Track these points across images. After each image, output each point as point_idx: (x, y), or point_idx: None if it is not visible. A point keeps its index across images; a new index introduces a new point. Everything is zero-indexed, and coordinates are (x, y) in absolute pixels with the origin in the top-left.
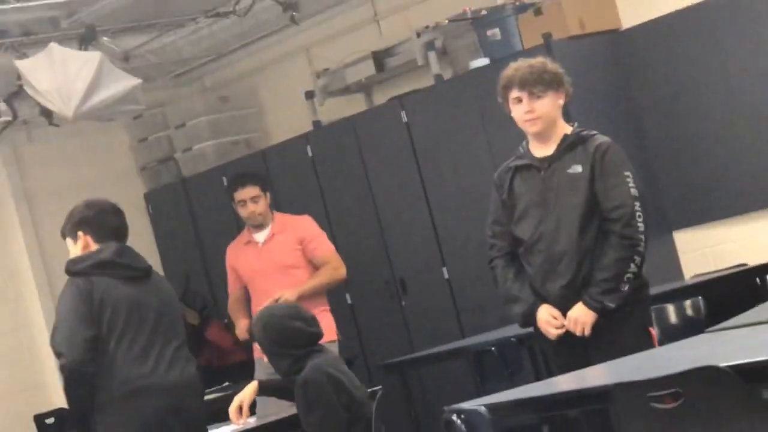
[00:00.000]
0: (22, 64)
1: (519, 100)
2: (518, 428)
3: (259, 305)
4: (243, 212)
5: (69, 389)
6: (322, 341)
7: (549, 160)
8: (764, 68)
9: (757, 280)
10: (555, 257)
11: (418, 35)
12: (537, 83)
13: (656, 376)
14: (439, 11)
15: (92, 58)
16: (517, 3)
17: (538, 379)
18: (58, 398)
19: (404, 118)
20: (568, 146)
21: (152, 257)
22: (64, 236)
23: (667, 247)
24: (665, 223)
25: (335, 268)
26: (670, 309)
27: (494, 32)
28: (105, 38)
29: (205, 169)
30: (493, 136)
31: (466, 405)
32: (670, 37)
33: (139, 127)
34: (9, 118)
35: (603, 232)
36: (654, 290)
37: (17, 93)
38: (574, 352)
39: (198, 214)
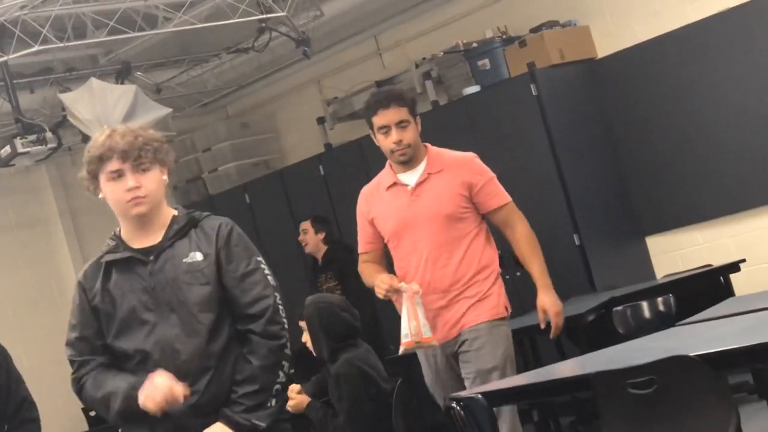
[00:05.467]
0: (66, 97)
1: (116, 176)
2: None
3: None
4: (384, 143)
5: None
6: (478, 321)
7: (157, 249)
8: (723, 91)
9: (721, 279)
10: (177, 371)
11: (417, 66)
12: (143, 154)
13: (633, 365)
14: (434, 44)
15: (128, 90)
16: (504, 36)
17: (526, 369)
18: None
19: None
20: (180, 231)
21: None
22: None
23: (640, 250)
24: (638, 230)
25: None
26: (644, 305)
27: (484, 62)
28: (139, 73)
29: (229, 188)
30: (484, 155)
31: (464, 393)
32: (639, 64)
33: None
34: (55, 145)
35: (239, 334)
36: (629, 289)
37: (62, 122)
38: None
39: None
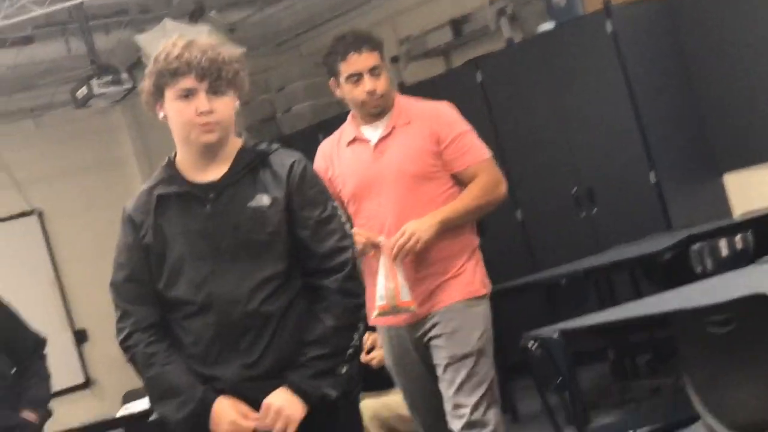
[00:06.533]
0: (141, 38)
1: (188, 94)
2: (587, 352)
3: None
4: (355, 92)
5: None
6: (455, 299)
7: (219, 187)
8: None
9: None
10: (234, 327)
11: (491, 3)
12: (219, 77)
13: (711, 303)
14: None
15: (201, 30)
16: None
17: (602, 308)
18: None
19: (479, 78)
20: (246, 167)
21: None
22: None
23: (717, 188)
24: (715, 167)
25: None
26: (722, 243)
27: None
28: (212, 13)
29: (302, 128)
30: (560, 92)
31: (541, 331)
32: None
33: None
34: (130, 86)
35: (311, 289)
36: (706, 227)
37: (137, 63)
38: None
39: None
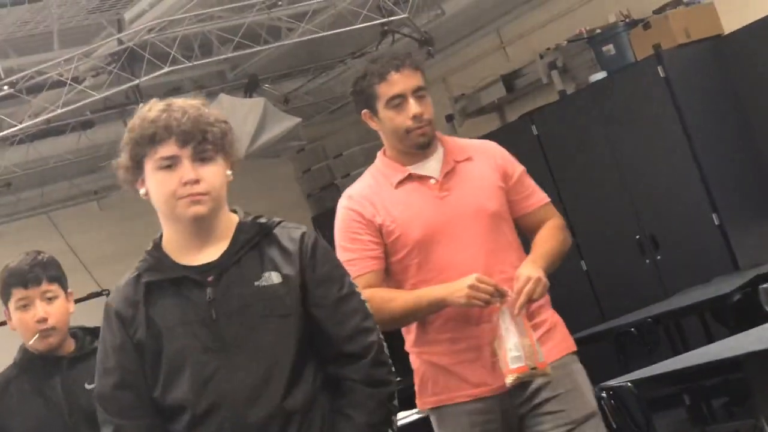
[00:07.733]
0: None
1: (170, 164)
2: (662, 399)
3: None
4: (397, 119)
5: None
6: (561, 354)
7: (218, 268)
8: None
9: None
10: (251, 428)
11: (541, 57)
12: (204, 141)
13: None
14: (558, 34)
15: (257, 103)
16: (628, 20)
17: (675, 354)
18: None
19: (535, 131)
20: (248, 243)
21: None
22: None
23: None
24: None
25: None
26: None
27: (609, 48)
28: (266, 85)
29: None
30: (617, 140)
31: (614, 382)
32: (767, 36)
33: (303, 159)
34: None
35: (331, 380)
36: None
37: None
38: None
39: None
